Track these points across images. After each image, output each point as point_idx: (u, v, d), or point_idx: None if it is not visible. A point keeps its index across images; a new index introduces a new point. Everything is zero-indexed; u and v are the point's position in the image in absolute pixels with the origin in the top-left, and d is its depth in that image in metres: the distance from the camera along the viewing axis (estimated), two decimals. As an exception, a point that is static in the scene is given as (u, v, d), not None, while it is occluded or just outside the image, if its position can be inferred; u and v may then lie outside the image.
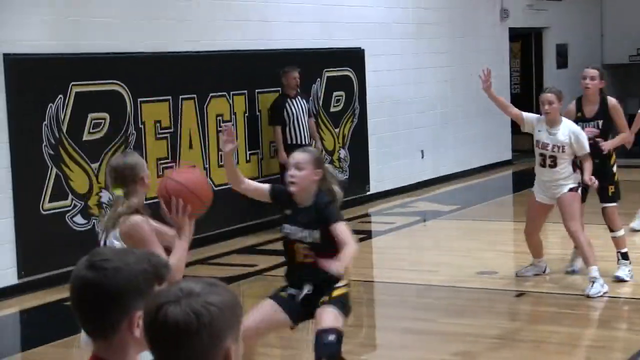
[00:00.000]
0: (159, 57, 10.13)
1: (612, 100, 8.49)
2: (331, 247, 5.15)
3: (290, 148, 11.29)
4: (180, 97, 10.34)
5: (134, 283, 2.36)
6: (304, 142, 11.39)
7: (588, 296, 7.90)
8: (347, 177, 12.79)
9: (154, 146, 10.00)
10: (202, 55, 10.62)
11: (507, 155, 16.90)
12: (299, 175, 5.30)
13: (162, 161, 10.09)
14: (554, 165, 7.98)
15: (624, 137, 8.55)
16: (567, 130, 7.98)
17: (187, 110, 10.41)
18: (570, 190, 7.99)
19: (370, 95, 13.26)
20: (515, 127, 16.70)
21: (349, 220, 11.93)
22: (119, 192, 4.79)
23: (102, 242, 4.75)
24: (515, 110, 8.35)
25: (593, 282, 7.93)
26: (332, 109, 12.61)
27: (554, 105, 7.99)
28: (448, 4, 15.15)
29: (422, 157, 14.36)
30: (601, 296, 7.92)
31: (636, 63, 19.95)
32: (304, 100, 11.48)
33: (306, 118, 11.43)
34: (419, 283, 8.77)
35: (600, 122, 8.41)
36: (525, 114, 8.31)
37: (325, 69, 12.47)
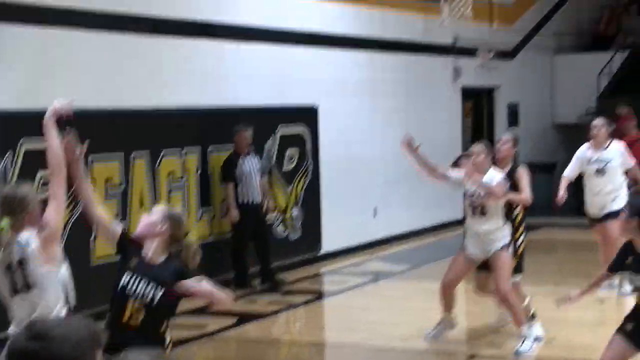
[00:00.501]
0: (111, 114, 10.05)
1: (520, 170, 8.59)
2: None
3: (241, 207, 11.28)
4: (132, 154, 10.26)
5: (80, 351, 2.34)
6: (255, 201, 11.37)
7: (517, 353, 8.02)
8: (299, 236, 12.76)
9: (104, 205, 9.88)
10: (154, 113, 10.57)
11: (459, 214, 16.95)
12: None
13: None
14: (483, 213, 8.09)
15: (522, 197, 8.63)
16: (490, 178, 8.13)
17: (138, 168, 10.33)
18: (504, 247, 8.13)
19: (323, 153, 13.27)
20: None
21: (301, 279, 11.94)
22: (5, 223, 4.64)
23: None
24: (442, 171, 8.43)
25: (524, 340, 8.12)
26: (285, 167, 12.61)
27: (481, 156, 8.20)
28: (403, 63, 15.29)
29: (375, 215, 14.38)
30: (532, 353, 8.07)
31: (586, 122, 20.20)
32: (256, 159, 11.48)
33: (258, 176, 11.41)
34: (372, 344, 8.72)
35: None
36: (451, 175, 8.37)
37: (279, 127, 12.47)
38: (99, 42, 9.99)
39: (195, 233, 10.93)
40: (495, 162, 8.66)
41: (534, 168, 16.57)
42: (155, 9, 10.67)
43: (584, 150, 10.34)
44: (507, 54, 18.74)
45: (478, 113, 18.78)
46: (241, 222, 11.20)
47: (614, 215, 9.96)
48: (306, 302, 10.83)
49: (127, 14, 10.32)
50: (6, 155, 8.93)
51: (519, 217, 8.58)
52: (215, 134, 11.39)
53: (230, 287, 10.33)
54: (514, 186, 8.45)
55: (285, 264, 12.40)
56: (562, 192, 10.20)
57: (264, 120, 12.10)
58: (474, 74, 17.45)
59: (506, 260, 8.14)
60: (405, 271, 12.64)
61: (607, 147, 10.20)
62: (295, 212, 12.78)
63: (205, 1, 11.42)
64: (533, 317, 8.53)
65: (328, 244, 13.34)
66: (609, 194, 10.18)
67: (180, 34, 11.01)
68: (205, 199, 11.25)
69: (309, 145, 13.02)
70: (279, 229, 12.47)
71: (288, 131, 12.66)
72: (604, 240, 10.17)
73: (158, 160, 10.57)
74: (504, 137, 9.11)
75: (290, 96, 12.73)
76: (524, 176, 8.57)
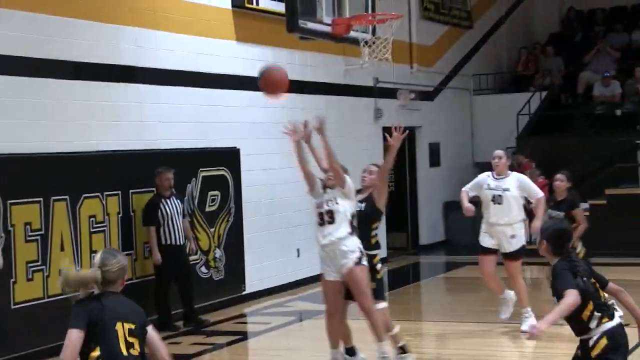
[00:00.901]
0: (30, 158, 10.06)
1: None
2: None
3: (164, 249, 11.32)
4: (52, 198, 10.25)
5: None
6: (178, 243, 11.42)
7: None
8: (222, 277, 12.83)
9: (23, 248, 9.87)
10: (74, 156, 10.59)
11: (382, 252, 17.13)
12: None
13: (31, 264, 9.94)
14: (332, 220, 8.31)
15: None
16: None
17: (59, 212, 10.33)
18: (357, 263, 8.29)
19: (245, 194, 13.37)
20: (389, 223, 17.14)
21: (225, 320, 11.98)
22: None
23: None
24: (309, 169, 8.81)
25: (383, 358, 8.33)
26: (208, 209, 12.66)
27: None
28: (324, 104, 15.48)
29: (298, 255, 14.50)
30: None
31: (505, 162, 20.62)
32: (179, 200, 11.54)
33: (181, 218, 11.48)
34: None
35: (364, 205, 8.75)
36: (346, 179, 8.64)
37: (201, 169, 12.54)
38: (17, 87, 10.01)
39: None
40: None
41: (454, 206, 16.95)
42: (76, 53, 10.73)
43: (485, 177, 10.65)
44: (428, 95, 19.09)
45: (400, 152, 18.99)
46: (164, 263, 11.22)
47: (513, 256, 10.30)
48: (230, 343, 10.86)
49: (47, 58, 10.36)
50: None
51: (376, 239, 8.73)
52: (137, 176, 11.41)
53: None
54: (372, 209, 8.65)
55: (208, 305, 12.42)
56: (466, 204, 10.49)
57: (185, 162, 12.16)
58: (395, 114, 17.71)
59: (363, 275, 8.23)
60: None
61: (507, 177, 10.48)
62: (218, 253, 12.83)
63: (125, 45, 11.50)
64: (403, 350, 8.68)
65: (251, 284, 13.42)
66: (505, 226, 10.36)
67: (100, 78, 11.06)
68: (127, 241, 11.25)
69: (231, 187, 13.11)
70: (202, 270, 12.52)
71: (210, 173, 12.74)
72: (508, 274, 10.49)
73: (79, 204, 10.58)
74: (368, 166, 9.21)
75: (211, 138, 12.82)
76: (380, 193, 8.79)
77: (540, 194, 10.45)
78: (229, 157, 13.13)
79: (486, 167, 20.89)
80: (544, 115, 20.46)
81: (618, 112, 19.52)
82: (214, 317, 12.11)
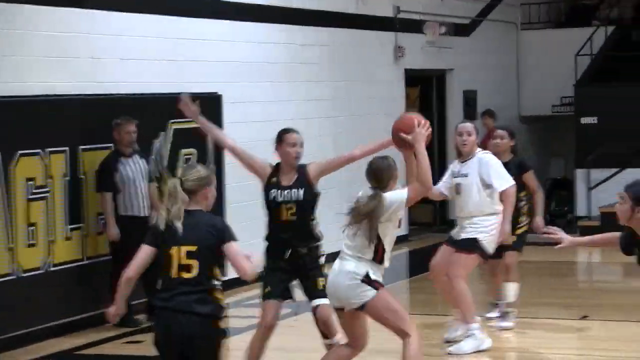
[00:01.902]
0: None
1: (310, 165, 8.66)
2: None
3: (123, 221, 11.18)
4: (-21, 154, 10.16)
5: None
6: (141, 213, 11.36)
7: None
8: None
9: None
10: (5, 102, 10.47)
11: (403, 229, 17.03)
12: None
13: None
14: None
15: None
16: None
17: (-15, 173, 10.23)
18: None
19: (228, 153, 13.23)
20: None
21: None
22: None
23: None
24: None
25: None
26: (181, 171, 12.54)
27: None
28: (329, 40, 15.30)
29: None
30: None
31: (561, 114, 20.49)
32: (143, 160, 11.46)
33: (145, 183, 11.39)
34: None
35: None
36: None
37: (172, 120, 12.43)
38: None
39: (63, 255, 10.83)
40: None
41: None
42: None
43: (454, 162, 10.23)
44: (463, 29, 18.93)
45: (426, 102, 18.90)
46: (123, 240, 11.12)
47: (461, 246, 10.00)
48: (206, 342, 10.74)
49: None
50: None
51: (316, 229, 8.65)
52: (89, 129, 11.33)
53: (109, 324, 10.24)
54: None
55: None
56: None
57: (152, 111, 12.06)
58: (420, 53, 17.54)
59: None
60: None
61: (472, 158, 10.02)
62: (193, 227, 12.71)
63: (74, -40, 11.35)
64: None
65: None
66: (465, 219, 10.00)
67: (38, 1, 10.91)
68: (75, 211, 11.17)
69: (209, 144, 12.97)
70: (173, 250, 12.40)
71: (183, 125, 12.60)
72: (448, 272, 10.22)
73: (12, 163, 10.45)
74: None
75: (185, 81, 12.67)
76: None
77: (506, 184, 9.88)
78: (208, 105, 12.93)
79: (535, 121, 20.93)
80: (610, 56, 20.30)
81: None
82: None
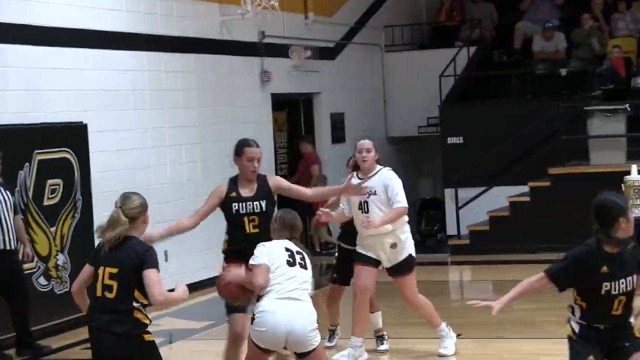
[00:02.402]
0: None
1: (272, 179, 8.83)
2: None
3: (-11, 256, 10.99)
4: None
5: None
6: (9, 247, 11.19)
7: None
8: (67, 289, 12.49)
9: None
10: None
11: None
12: None
13: None
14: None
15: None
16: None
17: None
18: None
19: (96, 182, 13.15)
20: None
21: (71, 346, 11.68)
22: None
23: None
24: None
25: None
26: (47, 202, 12.44)
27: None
28: (195, 66, 15.25)
29: (166, 260, 14.22)
30: None
31: (427, 134, 20.70)
32: (7, 193, 11.27)
33: (11, 215, 11.20)
34: None
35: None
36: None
37: (36, 151, 12.27)
38: None
39: None
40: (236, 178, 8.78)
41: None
42: None
43: (352, 179, 10.06)
44: (328, 53, 19.02)
45: (294, 126, 18.93)
46: (-11, 274, 10.98)
47: (399, 270, 10.13)
48: (77, 377, 10.69)
49: None
50: None
51: None
52: (-50, 161, 11.13)
53: None
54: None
55: (49, 327, 12.24)
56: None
57: (15, 142, 11.89)
58: (287, 78, 17.58)
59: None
60: (205, 329, 12.55)
61: (375, 174, 10.06)
62: (62, 258, 12.61)
63: None
64: None
65: (106, 298, 13.12)
66: (385, 236, 10.01)
67: None
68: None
69: (77, 173, 12.83)
70: (41, 282, 12.31)
71: (49, 156, 12.45)
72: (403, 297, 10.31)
73: None
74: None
75: (50, 112, 12.57)
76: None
77: (401, 204, 9.89)
78: (73, 135, 12.88)
79: (403, 142, 21.10)
80: (473, 76, 20.56)
81: (563, 71, 19.69)
82: (56, 343, 11.93)
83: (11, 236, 11.18)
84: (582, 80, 19.36)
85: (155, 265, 6.70)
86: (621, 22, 20.62)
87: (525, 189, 17.46)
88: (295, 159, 18.64)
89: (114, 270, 6.67)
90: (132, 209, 6.80)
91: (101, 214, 13.10)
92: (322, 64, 18.69)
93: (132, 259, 6.67)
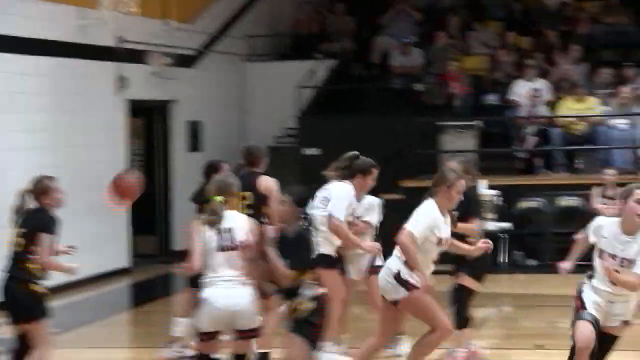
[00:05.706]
0: None
1: None
2: None
3: None
4: None
5: None
6: None
7: None
8: None
9: None
10: None
11: (124, 261, 16.79)
12: None
13: None
14: None
15: None
16: None
17: None
18: None
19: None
20: (134, 224, 16.73)
21: None
22: None
23: None
24: None
25: None
26: None
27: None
28: (49, 69, 14.94)
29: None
30: None
31: (284, 145, 20.63)
32: None
33: None
34: None
35: None
36: None
37: None
38: None
39: None
40: None
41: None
42: None
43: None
44: (187, 60, 18.86)
45: (150, 134, 18.72)
46: None
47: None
48: None
49: None
50: None
51: None
52: None
53: None
54: None
55: None
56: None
57: None
58: (144, 84, 17.36)
59: None
60: (54, 336, 12.23)
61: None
62: None
63: None
64: None
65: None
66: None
67: None
68: None
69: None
70: None
71: None
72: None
73: None
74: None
75: None
76: None
77: (336, 214, 9.83)
78: None
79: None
80: (331, 89, 20.56)
81: (418, 86, 19.86)
82: None
83: None
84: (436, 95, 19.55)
85: (48, 230, 8.40)
86: (475, 41, 20.91)
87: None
88: (150, 166, 18.43)
89: (23, 230, 8.60)
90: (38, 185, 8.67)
91: None
92: (181, 71, 18.50)
93: (33, 222, 8.59)
